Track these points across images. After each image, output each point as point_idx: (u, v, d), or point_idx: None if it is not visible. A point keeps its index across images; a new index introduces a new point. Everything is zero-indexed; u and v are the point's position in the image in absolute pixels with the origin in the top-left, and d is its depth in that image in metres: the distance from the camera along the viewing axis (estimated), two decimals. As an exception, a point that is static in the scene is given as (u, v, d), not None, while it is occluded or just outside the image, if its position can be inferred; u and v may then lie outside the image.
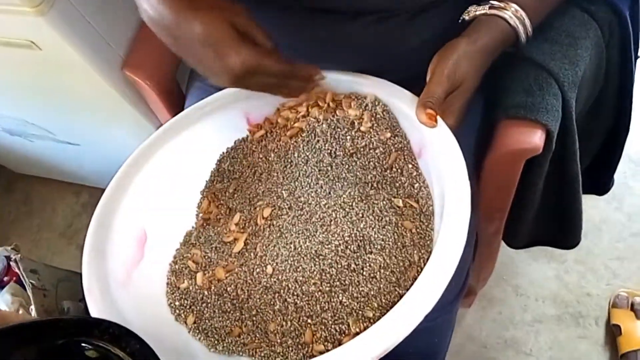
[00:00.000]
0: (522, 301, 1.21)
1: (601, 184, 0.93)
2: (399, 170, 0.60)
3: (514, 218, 0.81)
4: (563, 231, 0.85)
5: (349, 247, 0.55)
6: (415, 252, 0.55)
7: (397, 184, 0.59)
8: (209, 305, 0.60)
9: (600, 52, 0.71)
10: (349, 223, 0.57)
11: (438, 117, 0.55)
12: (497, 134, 0.67)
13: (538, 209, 0.80)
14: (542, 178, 0.72)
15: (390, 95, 0.60)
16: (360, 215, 0.57)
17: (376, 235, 0.56)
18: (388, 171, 0.60)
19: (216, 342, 0.58)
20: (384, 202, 0.58)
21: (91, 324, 0.43)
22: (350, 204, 0.58)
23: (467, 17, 0.62)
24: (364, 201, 0.59)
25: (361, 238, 0.56)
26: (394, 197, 0.58)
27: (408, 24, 0.63)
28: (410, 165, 0.60)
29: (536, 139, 0.64)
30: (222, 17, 0.51)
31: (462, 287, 0.71)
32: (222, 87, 0.67)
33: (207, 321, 0.59)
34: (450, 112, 0.57)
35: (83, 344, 0.42)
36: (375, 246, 0.55)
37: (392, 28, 0.63)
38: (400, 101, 0.59)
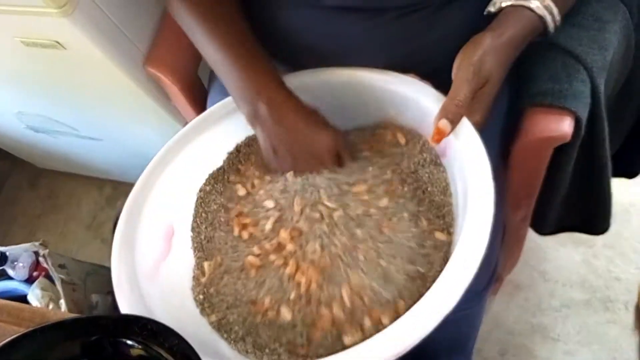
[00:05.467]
0: (549, 287, 1.20)
1: (631, 167, 0.91)
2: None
3: (542, 204, 0.80)
4: (592, 217, 0.84)
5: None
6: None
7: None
8: (228, 298, 0.60)
9: (629, 35, 0.69)
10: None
11: (464, 118, 0.54)
12: (524, 122, 0.66)
13: (566, 195, 0.79)
14: (571, 165, 0.71)
15: (416, 92, 0.60)
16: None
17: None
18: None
19: (236, 338, 0.58)
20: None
21: (130, 321, 0.44)
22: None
23: (492, 9, 0.60)
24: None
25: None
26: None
27: (432, 17, 0.62)
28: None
29: (565, 126, 0.62)
30: (340, 139, 0.61)
31: (491, 277, 0.71)
32: None
33: (228, 317, 0.59)
34: (478, 109, 0.56)
35: (127, 341, 0.43)
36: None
37: (417, 22, 0.62)
38: (426, 98, 0.58)
